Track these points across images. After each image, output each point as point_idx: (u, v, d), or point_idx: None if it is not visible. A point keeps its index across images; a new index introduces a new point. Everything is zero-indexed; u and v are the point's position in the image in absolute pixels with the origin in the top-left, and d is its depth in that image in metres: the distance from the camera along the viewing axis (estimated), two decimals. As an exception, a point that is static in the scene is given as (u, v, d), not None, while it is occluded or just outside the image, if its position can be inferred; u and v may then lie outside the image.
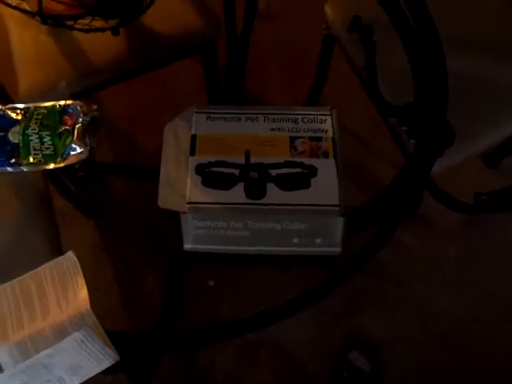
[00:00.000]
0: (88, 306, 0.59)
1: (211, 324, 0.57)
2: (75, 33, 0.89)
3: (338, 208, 0.60)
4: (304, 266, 0.66)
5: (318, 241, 0.61)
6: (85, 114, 0.69)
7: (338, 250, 0.61)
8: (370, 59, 0.73)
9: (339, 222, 0.59)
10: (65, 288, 0.61)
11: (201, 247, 0.61)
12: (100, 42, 0.89)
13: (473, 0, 1.02)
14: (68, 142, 0.68)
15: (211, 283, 1.18)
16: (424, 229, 1.26)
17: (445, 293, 1.19)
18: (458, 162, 0.85)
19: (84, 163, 0.70)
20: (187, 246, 0.61)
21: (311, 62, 1.16)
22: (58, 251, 0.77)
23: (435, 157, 0.70)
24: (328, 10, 0.99)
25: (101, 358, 0.57)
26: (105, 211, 1.23)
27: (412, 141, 0.69)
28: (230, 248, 0.61)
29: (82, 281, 0.61)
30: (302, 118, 0.66)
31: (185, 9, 0.97)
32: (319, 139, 0.64)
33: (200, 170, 0.62)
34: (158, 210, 0.61)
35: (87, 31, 0.73)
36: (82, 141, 0.68)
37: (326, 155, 0.63)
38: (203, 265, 1.12)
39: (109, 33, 0.78)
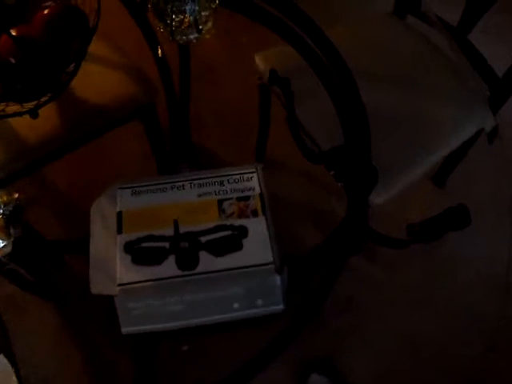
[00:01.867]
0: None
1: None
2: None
3: (272, 266, 0.59)
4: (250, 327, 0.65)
5: (259, 302, 0.59)
6: (6, 205, 0.67)
7: (281, 307, 0.60)
8: (290, 110, 0.75)
9: (276, 280, 0.59)
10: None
11: (139, 328, 0.58)
12: (27, 123, 0.87)
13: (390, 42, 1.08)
14: (-10, 237, 0.66)
15: (185, 348, 1.13)
16: (380, 257, 1.28)
17: (416, 315, 1.18)
18: (394, 193, 0.87)
19: (12, 255, 0.67)
20: (125, 330, 0.58)
21: (253, 111, 1.18)
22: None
23: (366, 195, 0.71)
24: (258, 60, 1.03)
25: None
26: (65, 292, 1.18)
27: (340, 184, 0.71)
28: (169, 325, 0.59)
29: (14, 380, 0.58)
30: (228, 179, 0.66)
31: (116, 77, 0.96)
32: (247, 198, 0.64)
33: (129, 247, 0.60)
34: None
35: (1, 117, 0.72)
36: (4, 233, 0.65)
37: (255, 213, 0.63)
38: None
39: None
